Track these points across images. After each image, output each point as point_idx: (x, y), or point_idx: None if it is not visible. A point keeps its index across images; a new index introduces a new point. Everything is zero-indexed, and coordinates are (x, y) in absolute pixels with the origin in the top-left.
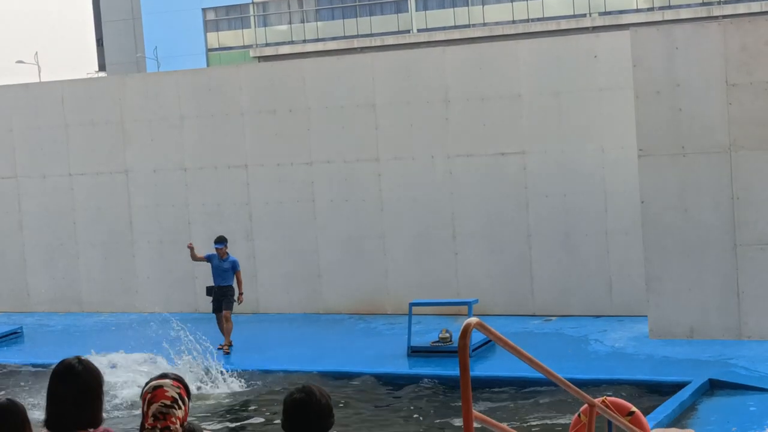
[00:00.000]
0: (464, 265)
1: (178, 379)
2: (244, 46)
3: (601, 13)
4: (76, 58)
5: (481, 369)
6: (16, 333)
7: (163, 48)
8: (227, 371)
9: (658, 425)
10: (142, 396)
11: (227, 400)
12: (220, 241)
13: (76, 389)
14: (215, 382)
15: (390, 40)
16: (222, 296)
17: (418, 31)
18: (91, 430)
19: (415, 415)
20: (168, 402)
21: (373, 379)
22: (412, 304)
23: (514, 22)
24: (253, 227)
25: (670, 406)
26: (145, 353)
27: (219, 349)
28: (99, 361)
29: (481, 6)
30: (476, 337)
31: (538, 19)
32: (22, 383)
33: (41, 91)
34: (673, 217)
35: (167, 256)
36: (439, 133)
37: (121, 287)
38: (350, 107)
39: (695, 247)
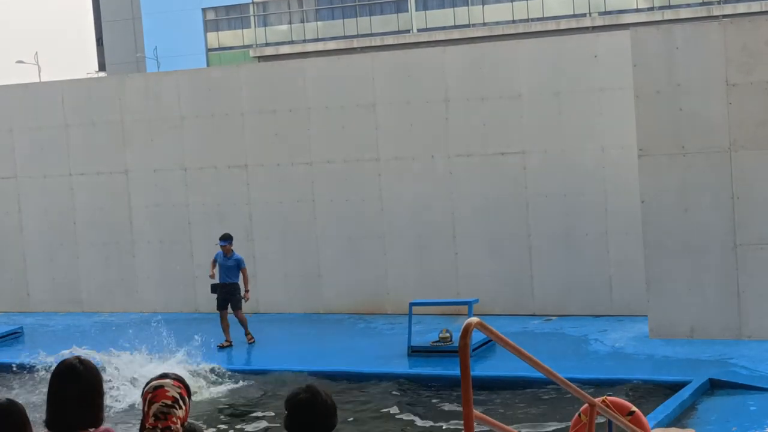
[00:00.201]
0: (464, 265)
1: (179, 379)
2: (244, 46)
3: (601, 13)
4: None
5: (481, 369)
6: (16, 333)
7: (163, 48)
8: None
9: (659, 425)
10: (143, 396)
11: (227, 400)
12: (224, 238)
13: (77, 389)
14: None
15: (390, 40)
16: (227, 294)
17: (418, 30)
18: (92, 429)
19: (415, 415)
20: (169, 402)
21: (373, 379)
22: (412, 304)
23: (514, 21)
24: (253, 227)
25: (670, 405)
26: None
27: (219, 348)
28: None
29: (481, 6)
30: (476, 337)
31: (538, 19)
32: (22, 383)
33: (41, 91)
34: (673, 216)
35: (167, 256)
36: (439, 133)
37: (121, 287)
38: (350, 107)
39: (695, 246)
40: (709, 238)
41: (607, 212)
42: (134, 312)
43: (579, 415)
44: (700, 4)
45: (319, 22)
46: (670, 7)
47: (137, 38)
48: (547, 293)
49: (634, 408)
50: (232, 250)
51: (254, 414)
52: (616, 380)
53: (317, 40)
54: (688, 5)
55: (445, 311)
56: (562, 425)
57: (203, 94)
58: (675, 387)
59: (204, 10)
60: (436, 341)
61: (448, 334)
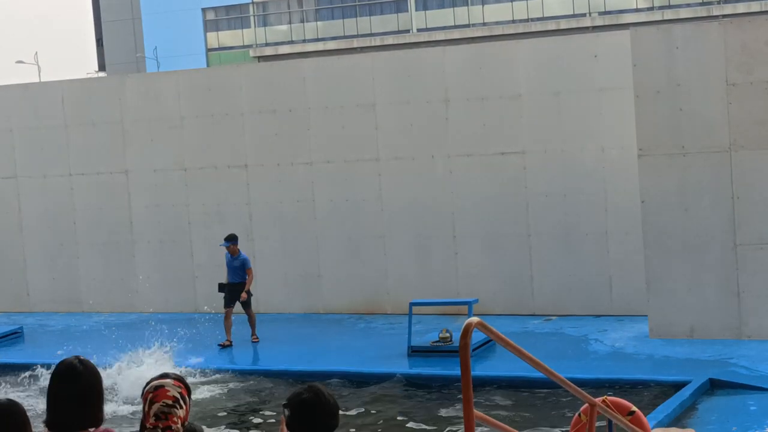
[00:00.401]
0: (464, 265)
1: (179, 379)
2: (243, 46)
3: (600, 13)
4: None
5: (481, 369)
6: (16, 333)
7: (162, 48)
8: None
9: (659, 425)
10: (143, 395)
11: (227, 400)
12: (227, 239)
13: (77, 389)
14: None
15: (390, 40)
16: (234, 293)
17: (418, 30)
18: (92, 429)
19: (415, 416)
20: (170, 402)
21: (373, 379)
22: (412, 304)
23: (513, 21)
24: (253, 227)
25: (670, 405)
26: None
27: (221, 347)
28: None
29: (481, 6)
30: (476, 337)
31: (538, 19)
32: (22, 383)
33: (41, 91)
34: (673, 216)
35: (167, 256)
36: (439, 133)
37: (121, 287)
38: (350, 107)
39: (695, 246)
40: (709, 238)
41: (607, 212)
42: (134, 312)
43: (579, 414)
44: (700, 4)
45: (318, 22)
46: (669, 7)
47: (137, 38)
48: (547, 293)
49: (634, 408)
50: (238, 250)
51: (254, 414)
52: (616, 380)
53: (317, 40)
54: (688, 5)
55: (444, 311)
56: (563, 425)
57: (203, 94)
58: (675, 387)
59: (204, 10)
60: (436, 341)
61: (448, 334)
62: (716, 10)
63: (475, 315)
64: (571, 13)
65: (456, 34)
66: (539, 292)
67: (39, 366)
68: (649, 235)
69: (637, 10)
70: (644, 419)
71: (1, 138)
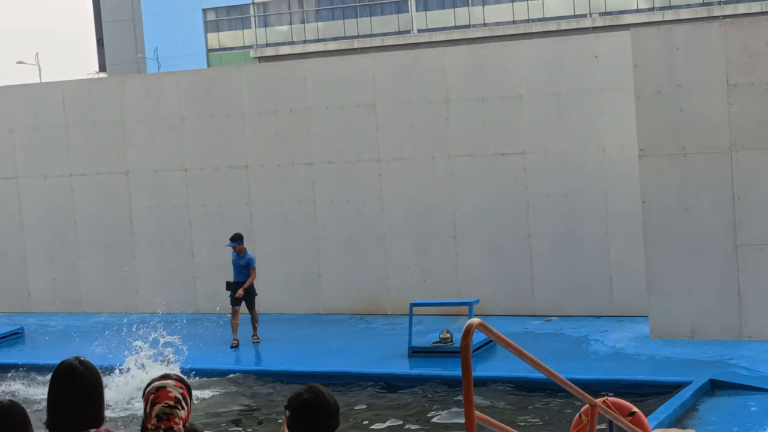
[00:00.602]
0: (465, 266)
1: (181, 380)
2: (244, 47)
3: (601, 14)
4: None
5: (482, 369)
6: (17, 333)
7: (163, 48)
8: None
9: (659, 425)
10: (145, 396)
11: (228, 401)
12: (232, 239)
13: (78, 390)
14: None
15: (390, 41)
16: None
17: (419, 31)
18: (93, 430)
19: (416, 416)
20: (171, 402)
21: (373, 380)
22: (412, 305)
23: (514, 22)
24: (253, 228)
25: (671, 406)
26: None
27: (232, 347)
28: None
29: (482, 6)
30: (477, 338)
31: (539, 20)
32: (23, 384)
33: (42, 91)
34: (674, 217)
35: (168, 256)
36: (439, 133)
37: (121, 288)
38: (351, 108)
39: (696, 247)
40: (710, 239)
41: (608, 213)
42: (135, 313)
43: (580, 415)
44: (701, 5)
45: (319, 23)
46: (670, 7)
47: (138, 39)
48: (548, 294)
49: (635, 408)
50: (245, 249)
51: (255, 414)
52: (616, 381)
53: (317, 40)
54: (689, 6)
55: (445, 312)
56: (563, 426)
57: (204, 94)
58: (676, 387)
59: (204, 10)
60: (437, 342)
61: (448, 335)
62: (717, 11)
63: (475, 315)
64: (572, 13)
65: (456, 35)
66: (540, 292)
67: (40, 367)
68: (650, 235)
69: (637, 11)
70: (645, 420)
71: (1, 138)
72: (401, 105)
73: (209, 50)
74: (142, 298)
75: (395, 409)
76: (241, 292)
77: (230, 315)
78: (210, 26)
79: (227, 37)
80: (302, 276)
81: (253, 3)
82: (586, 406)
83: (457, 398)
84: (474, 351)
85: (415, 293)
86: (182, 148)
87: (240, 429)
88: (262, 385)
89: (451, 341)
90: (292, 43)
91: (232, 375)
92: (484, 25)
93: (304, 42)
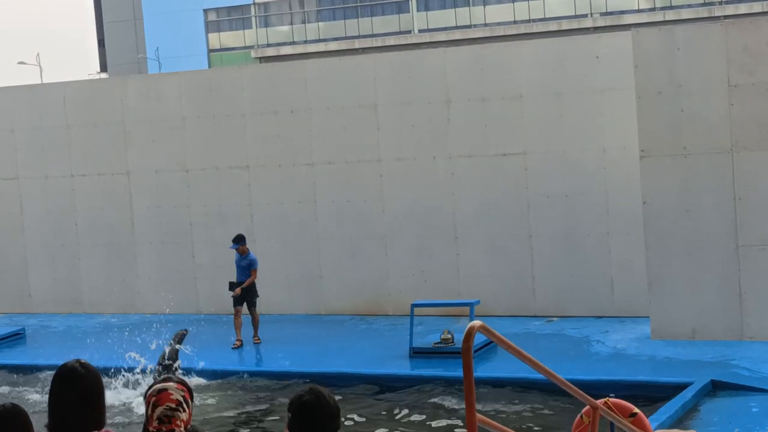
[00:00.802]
0: (466, 266)
1: (182, 383)
2: (245, 47)
3: (602, 14)
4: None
5: (483, 370)
6: (18, 334)
7: (164, 49)
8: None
9: (661, 426)
10: (146, 399)
11: (229, 402)
12: (234, 241)
13: (79, 392)
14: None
15: (391, 41)
16: (243, 291)
17: (420, 31)
18: None
19: (417, 417)
20: (173, 405)
21: (374, 381)
22: (413, 305)
23: (515, 22)
24: (254, 228)
25: (672, 407)
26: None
27: (233, 347)
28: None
29: (483, 6)
30: (478, 338)
31: (540, 20)
32: (25, 385)
33: (43, 92)
34: (675, 217)
35: (169, 257)
36: (440, 133)
37: (122, 288)
38: (352, 108)
39: (697, 247)
40: (711, 239)
41: (609, 213)
42: (136, 313)
43: (581, 416)
44: (702, 5)
45: (320, 23)
46: (671, 7)
47: (139, 39)
48: (549, 294)
49: (636, 409)
50: (247, 250)
51: (256, 415)
52: (617, 381)
53: (318, 41)
54: (690, 6)
55: (446, 312)
56: (565, 427)
57: (205, 95)
58: (677, 388)
59: (205, 11)
60: (438, 342)
61: (449, 335)
62: (718, 11)
63: (476, 316)
64: (573, 13)
65: (457, 35)
66: (541, 293)
67: (41, 368)
68: (651, 236)
69: (638, 11)
70: (646, 421)
71: (3, 139)
72: (402, 105)
73: (210, 50)
74: (143, 298)
75: (396, 410)
76: (238, 291)
77: (234, 314)
78: (211, 26)
79: (228, 38)
80: (303, 276)
81: (254, 3)
82: (588, 407)
83: (459, 399)
84: (475, 352)
85: (416, 294)
86: (183, 149)
87: (241, 430)
88: (263, 386)
89: (452, 342)
90: (293, 43)
91: (233, 376)
92: (485, 25)
93: (305, 42)
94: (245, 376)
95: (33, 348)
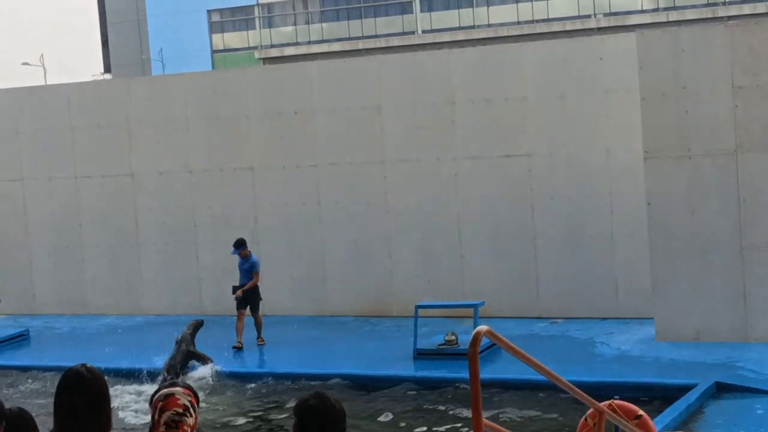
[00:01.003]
0: (470, 268)
1: (188, 387)
2: (249, 48)
3: (606, 14)
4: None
5: (488, 372)
6: (22, 336)
7: (168, 49)
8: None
9: (665, 428)
10: (153, 404)
11: (233, 405)
12: (235, 245)
13: (86, 397)
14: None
15: (395, 42)
16: (246, 294)
17: (423, 32)
18: None
19: (421, 419)
20: (180, 410)
21: (379, 382)
22: (417, 307)
23: (519, 23)
24: (258, 229)
25: (677, 409)
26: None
27: (234, 348)
28: None
29: (486, 7)
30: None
31: (543, 20)
32: (29, 387)
33: (47, 93)
34: (680, 219)
35: (173, 258)
36: (444, 135)
37: (126, 289)
38: (356, 109)
39: (701, 249)
40: (716, 241)
41: (613, 214)
42: (140, 314)
43: (586, 418)
44: (705, 5)
45: (323, 24)
46: (675, 8)
47: (142, 40)
48: (553, 295)
49: (641, 412)
50: (249, 253)
51: (261, 417)
52: (622, 383)
53: (322, 41)
54: (694, 6)
55: (450, 313)
56: (570, 429)
57: (209, 96)
58: (682, 390)
59: (209, 11)
60: (442, 344)
61: (453, 337)
62: (722, 12)
63: (480, 317)
64: (576, 14)
65: (461, 36)
66: (545, 294)
67: (45, 369)
68: (655, 237)
69: (642, 11)
70: (651, 423)
71: (7, 140)
72: (406, 107)
73: (214, 51)
74: (147, 299)
75: (400, 412)
76: (239, 293)
77: (236, 317)
78: (215, 27)
79: (232, 38)
80: (307, 278)
81: (258, 4)
82: (592, 409)
83: (463, 401)
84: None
85: (420, 295)
86: (187, 150)
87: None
88: (268, 388)
89: (456, 343)
90: (296, 44)
91: (237, 377)
92: (489, 26)
93: (309, 43)
94: (249, 377)
95: (37, 349)
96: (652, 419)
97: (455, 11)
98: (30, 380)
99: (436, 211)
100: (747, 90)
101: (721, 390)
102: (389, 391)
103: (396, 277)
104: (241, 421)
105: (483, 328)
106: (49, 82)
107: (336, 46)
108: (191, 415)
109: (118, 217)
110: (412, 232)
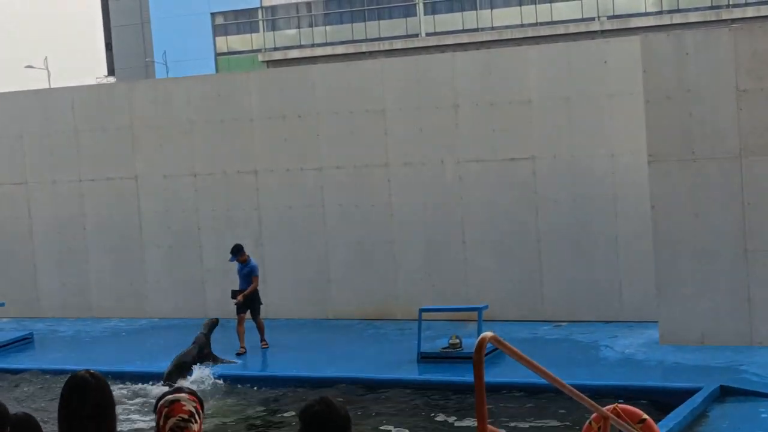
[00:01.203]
0: (474, 271)
1: (193, 393)
2: (252, 51)
3: (609, 17)
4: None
5: (492, 375)
6: (26, 339)
7: (171, 52)
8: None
9: None
10: (158, 410)
11: (238, 407)
12: (232, 252)
13: (90, 403)
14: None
15: (398, 44)
16: (244, 299)
17: (427, 34)
18: None
19: (425, 422)
20: (185, 416)
21: (382, 386)
22: (421, 310)
23: (522, 25)
24: (262, 233)
25: (681, 413)
26: None
27: (238, 354)
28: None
29: (490, 10)
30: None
31: (547, 23)
32: (33, 390)
33: (51, 97)
34: (684, 222)
35: (177, 261)
36: (448, 138)
37: (130, 292)
38: (360, 112)
39: (706, 252)
40: (720, 244)
41: (617, 217)
42: (144, 318)
43: (590, 422)
44: (709, 8)
45: (327, 27)
46: (679, 10)
47: (146, 43)
48: (557, 299)
49: (645, 416)
50: (247, 258)
51: (265, 421)
52: (626, 387)
53: (325, 44)
54: (697, 9)
55: (454, 317)
56: None
57: (213, 99)
58: (686, 394)
59: (213, 14)
60: (446, 347)
61: (457, 340)
62: (725, 14)
63: (484, 320)
64: (580, 17)
65: (464, 38)
66: (549, 297)
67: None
68: (659, 240)
69: (646, 14)
70: (655, 427)
71: (11, 144)
72: (410, 110)
73: (217, 54)
74: (151, 303)
75: (404, 416)
76: (240, 298)
77: (237, 322)
78: (218, 30)
79: (235, 41)
80: (311, 281)
81: (262, 7)
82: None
83: (466, 404)
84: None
85: (424, 298)
86: (191, 154)
87: None
88: (272, 391)
89: (460, 347)
90: (300, 46)
91: (240, 381)
92: (492, 28)
93: (312, 46)
94: (252, 380)
95: (41, 353)
96: (656, 423)
97: (459, 14)
98: (33, 383)
99: (440, 214)
100: (751, 93)
101: (725, 394)
102: (393, 395)
103: (400, 280)
104: (243, 425)
105: (488, 334)
106: (53, 86)
107: (340, 49)
108: (196, 421)
109: (122, 221)
110: (416, 235)
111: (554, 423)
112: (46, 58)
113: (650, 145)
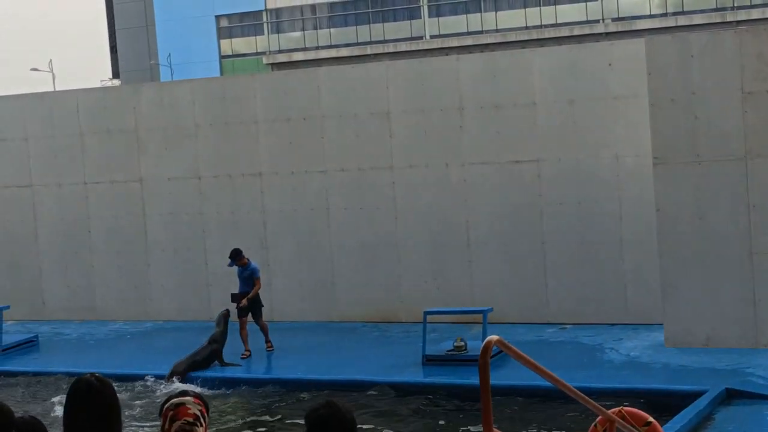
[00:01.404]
0: (479, 273)
1: (199, 396)
2: (257, 53)
3: (614, 19)
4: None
5: (497, 377)
6: (31, 341)
7: (176, 55)
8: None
9: None
10: (163, 413)
11: (243, 410)
12: (231, 256)
13: (96, 407)
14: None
15: (403, 47)
16: (247, 302)
17: (431, 37)
18: None
19: (430, 425)
20: (190, 420)
21: (387, 388)
22: (426, 313)
23: (527, 28)
24: (267, 235)
25: (686, 415)
26: None
27: (242, 357)
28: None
29: (494, 12)
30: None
31: (551, 25)
32: (38, 392)
33: (56, 99)
34: (689, 224)
35: (181, 264)
36: (453, 140)
37: (135, 295)
38: (364, 115)
39: (711, 255)
40: (725, 247)
41: (622, 220)
42: (148, 320)
43: (595, 425)
44: (714, 10)
45: (332, 29)
46: (683, 12)
47: (151, 46)
48: (562, 301)
49: (650, 418)
50: (247, 261)
51: (270, 424)
52: (631, 389)
53: (330, 46)
54: (702, 11)
55: (459, 319)
56: None
57: (218, 102)
58: (691, 396)
59: (217, 17)
60: (451, 350)
61: (462, 343)
62: (730, 16)
63: (489, 323)
64: (584, 19)
65: (469, 41)
66: (554, 300)
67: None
68: (665, 243)
69: (650, 16)
70: (661, 430)
71: (16, 147)
72: (415, 112)
73: (222, 56)
74: (155, 305)
75: (409, 418)
76: (244, 302)
77: (239, 326)
78: (223, 32)
79: (240, 44)
80: (316, 284)
81: (266, 9)
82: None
83: (471, 407)
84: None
85: (429, 301)
86: (196, 156)
87: None
88: (277, 394)
89: (465, 349)
90: (304, 49)
91: (245, 384)
92: (497, 30)
93: (317, 48)
94: (257, 383)
95: (46, 355)
96: (662, 426)
97: (463, 16)
98: (38, 386)
99: (444, 217)
100: (756, 95)
101: (731, 396)
102: (398, 398)
103: (404, 282)
104: (248, 429)
105: (494, 338)
106: (57, 89)
107: (344, 52)
108: (201, 425)
109: (127, 223)
110: (421, 238)
111: (559, 426)
112: (51, 60)
113: (655, 147)
